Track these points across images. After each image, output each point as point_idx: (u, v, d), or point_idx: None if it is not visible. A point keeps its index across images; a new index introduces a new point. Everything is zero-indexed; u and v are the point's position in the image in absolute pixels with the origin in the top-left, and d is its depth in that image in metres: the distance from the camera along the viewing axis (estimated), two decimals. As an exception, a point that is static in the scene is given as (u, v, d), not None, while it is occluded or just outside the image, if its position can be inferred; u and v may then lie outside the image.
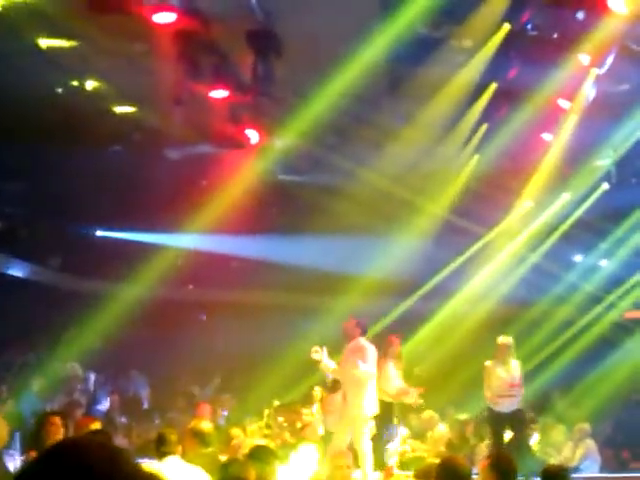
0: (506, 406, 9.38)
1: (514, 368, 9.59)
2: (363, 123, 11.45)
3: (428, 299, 14.75)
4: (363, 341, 8.55)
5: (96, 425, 7.69)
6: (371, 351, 8.45)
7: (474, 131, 11.81)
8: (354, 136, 11.98)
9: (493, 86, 10.79)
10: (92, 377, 13.86)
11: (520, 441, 9.42)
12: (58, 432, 6.40)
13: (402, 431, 10.47)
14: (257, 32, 9.43)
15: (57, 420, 6.64)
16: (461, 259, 14.92)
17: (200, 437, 7.32)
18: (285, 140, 12.18)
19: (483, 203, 13.56)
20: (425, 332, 14.36)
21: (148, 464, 6.57)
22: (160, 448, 6.34)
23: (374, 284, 14.02)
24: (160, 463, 6.18)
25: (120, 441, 11.20)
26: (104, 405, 12.86)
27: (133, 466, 1.27)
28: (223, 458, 7.12)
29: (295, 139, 11.81)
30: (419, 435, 11.16)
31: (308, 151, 12.71)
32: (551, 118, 11.63)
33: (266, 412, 11.79)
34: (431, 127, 11.37)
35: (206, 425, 7.54)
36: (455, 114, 11.22)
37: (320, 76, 9.86)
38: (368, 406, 8.42)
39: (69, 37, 9.98)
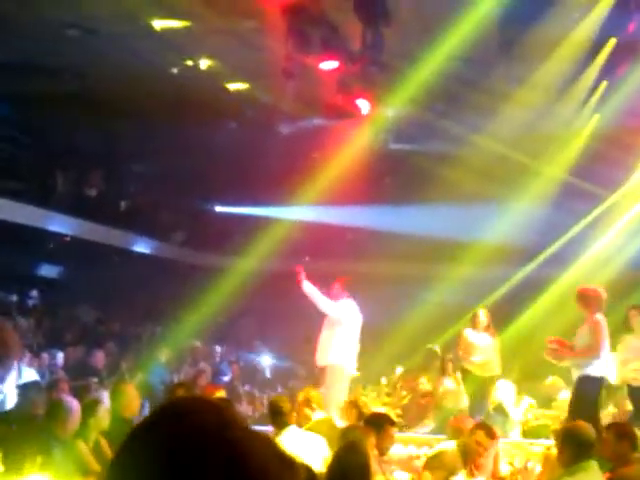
0: None
1: None
2: (475, 87, 11.18)
3: (548, 266, 14.32)
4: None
5: (221, 393, 7.98)
6: None
7: (593, 89, 11.32)
8: (466, 101, 11.73)
9: (612, 41, 10.31)
10: (216, 348, 14.33)
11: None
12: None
13: (526, 400, 10.28)
14: (364, 0, 9.36)
15: (185, 390, 6.90)
16: (583, 223, 14.44)
17: (312, 404, 7.46)
18: (396, 108, 12.08)
19: (605, 164, 13.01)
20: (545, 300, 13.99)
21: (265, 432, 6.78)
22: (275, 418, 6.49)
23: (491, 251, 13.78)
24: (278, 434, 6.35)
25: (244, 408, 11.57)
26: (227, 375, 13.28)
27: (245, 429, 1.27)
28: (341, 424, 7.25)
29: (406, 107, 11.69)
30: (544, 402, 10.94)
31: (419, 118, 12.56)
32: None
33: (385, 379, 11.85)
34: (547, 88, 10.99)
35: (317, 392, 7.67)
36: (572, 73, 10.79)
37: (429, 41, 9.70)
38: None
39: (182, 18, 10.23)
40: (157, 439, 1.24)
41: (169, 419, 1.27)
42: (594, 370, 7.89)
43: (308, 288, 8.92)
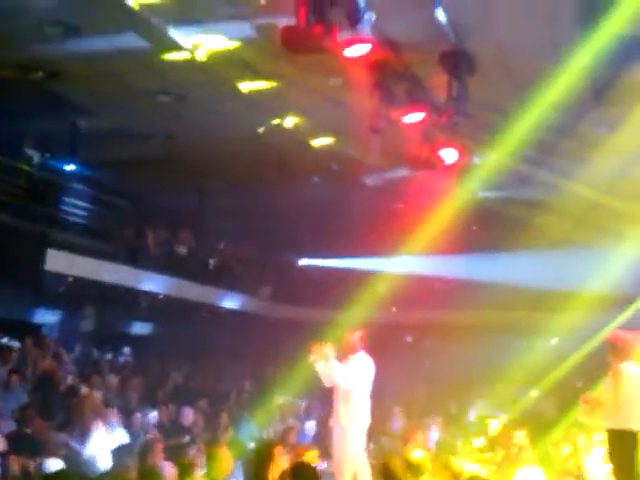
0: None
1: None
2: (567, 134, 10.95)
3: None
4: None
5: (312, 453, 7.84)
6: None
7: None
8: (557, 148, 11.50)
9: None
10: (302, 404, 14.21)
11: None
12: (282, 462, 6.54)
13: None
14: (449, 52, 9.30)
15: (280, 450, 6.79)
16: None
17: (413, 468, 7.28)
18: (484, 158, 11.93)
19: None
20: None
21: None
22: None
23: (587, 298, 13.38)
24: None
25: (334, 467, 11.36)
26: (313, 431, 13.12)
27: None
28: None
29: (496, 156, 11.53)
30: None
31: (509, 167, 12.37)
32: None
33: (479, 435, 11.50)
34: (639, 132, 10.66)
35: (418, 455, 7.48)
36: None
37: (517, 90, 9.56)
38: None
39: (267, 78, 10.39)
40: None
41: None
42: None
43: (320, 367, 8.57)
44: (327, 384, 8.51)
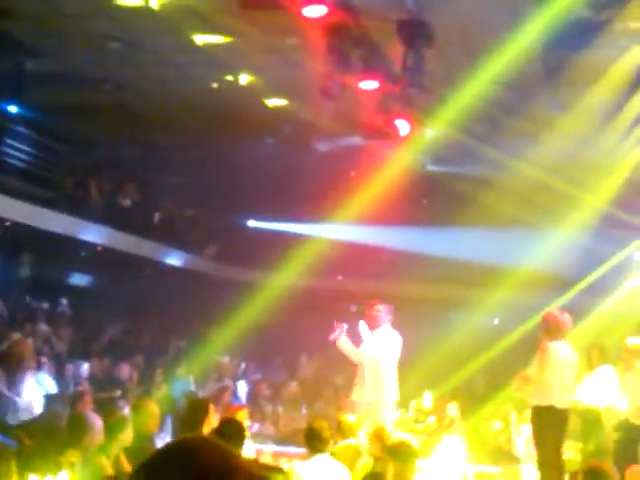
0: None
1: None
2: (517, 112, 11.00)
3: (587, 294, 14.08)
4: None
5: (243, 413, 7.87)
6: None
7: (638, 119, 11.07)
8: (507, 126, 11.56)
9: (659, 70, 10.05)
10: (242, 365, 14.23)
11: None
12: (212, 420, 6.54)
13: None
14: (407, 22, 9.23)
15: (210, 407, 6.78)
16: (623, 253, 14.19)
17: (343, 430, 7.37)
18: (435, 131, 11.94)
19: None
20: (581, 330, 13.71)
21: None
22: (311, 443, 6.39)
23: (528, 277, 13.57)
24: (309, 457, 6.25)
25: (267, 428, 11.43)
26: (252, 392, 13.16)
27: (248, 475, 1.35)
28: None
29: (445, 129, 11.54)
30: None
31: (459, 142, 12.40)
32: None
33: (413, 405, 11.65)
34: (590, 115, 10.76)
35: (349, 418, 7.58)
36: (617, 101, 10.55)
37: (471, 65, 9.54)
38: None
39: (223, 33, 10.20)
40: (163, 478, 1.34)
41: (177, 460, 1.34)
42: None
43: (343, 345, 8.74)
44: (355, 361, 8.66)
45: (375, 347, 8.70)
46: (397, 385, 8.81)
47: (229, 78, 11.65)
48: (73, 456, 6.11)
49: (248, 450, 6.91)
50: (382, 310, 8.93)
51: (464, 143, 12.40)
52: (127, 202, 14.08)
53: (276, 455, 8.55)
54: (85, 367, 11.07)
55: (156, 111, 12.07)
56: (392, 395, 8.72)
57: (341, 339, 8.78)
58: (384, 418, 8.51)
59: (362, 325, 8.79)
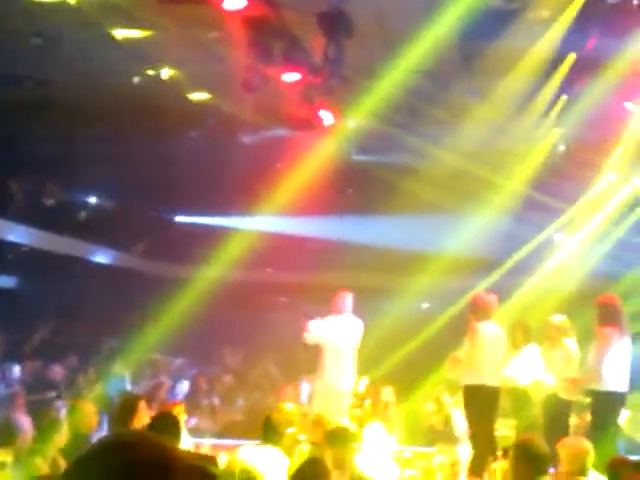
0: None
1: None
2: (435, 101, 11.27)
3: (509, 276, 14.51)
4: None
5: (179, 408, 7.89)
6: None
7: (552, 104, 11.47)
8: (427, 114, 11.82)
9: (572, 57, 10.44)
10: (176, 360, 14.19)
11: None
12: (145, 416, 6.55)
13: None
14: (327, 14, 9.36)
15: (143, 405, 6.79)
16: (542, 235, 14.63)
17: (283, 420, 7.43)
18: (358, 120, 12.13)
19: (564, 178, 13.21)
20: (506, 309, 14.14)
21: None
22: (266, 433, 6.45)
23: (454, 261, 13.89)
24: (253, 449, 6.32)
25: (205, 422, 11.47)
26: (188, 387, 13.15)
27: (185, 466, 1.33)
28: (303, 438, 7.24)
29: (368, 119, 11.74)
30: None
31: (381, 131, 12.62)
32: (634, 86, 11.18)
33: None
34: (507, 102, 11.10)
35: (288, 407, 7.66)
36: (532, 88, 10.91)
37: (390, 54, 9.74)
38: None
39: (143, 27, 10.14)
40: (98, 471, 1.31)
41: (111, 452, 1.33)
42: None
43: (313, 339, 8.91)
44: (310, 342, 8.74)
45: (338, 334, 8.85)
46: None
47: (151, 72, 11.57)
48: (3, 456, 6.10)
49: (185, 444, 6.95)
50: (346, 297, 9.10)
51: (386, 132, 12.62)
52: (51, 201, 13.84)
53: (215, 448, 8.60)
54: (16, 370, 10.89)
55: (79, 107, 11.89)
56: (351, 382, 8.90)
57: (310, 333, 8.89)
58: (343, 405, 8.67)
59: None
